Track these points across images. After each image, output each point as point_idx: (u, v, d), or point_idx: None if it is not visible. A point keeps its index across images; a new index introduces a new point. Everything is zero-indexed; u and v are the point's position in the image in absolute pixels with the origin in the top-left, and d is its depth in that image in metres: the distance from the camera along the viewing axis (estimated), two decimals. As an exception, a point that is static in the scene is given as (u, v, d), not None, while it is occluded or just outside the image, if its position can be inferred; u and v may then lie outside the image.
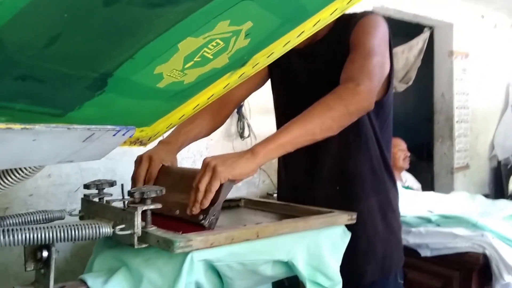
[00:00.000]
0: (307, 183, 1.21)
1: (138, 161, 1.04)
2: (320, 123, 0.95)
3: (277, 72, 1.31)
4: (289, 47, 0.97)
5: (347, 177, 1.16)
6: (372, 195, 1.16)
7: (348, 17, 1.16)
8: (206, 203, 0.86)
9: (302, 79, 1.22)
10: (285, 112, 1.25)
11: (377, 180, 1.18)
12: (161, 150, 1.07)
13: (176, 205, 0.91)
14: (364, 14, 1.15)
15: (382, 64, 1.09)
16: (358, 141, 1.15)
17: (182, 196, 0.90)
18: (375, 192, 1.17)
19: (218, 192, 0.86)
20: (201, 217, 0.86)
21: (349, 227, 1.00)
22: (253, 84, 1.32)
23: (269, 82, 1.37)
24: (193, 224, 0.86)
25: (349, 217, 0.98)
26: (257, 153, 0.89)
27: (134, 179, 1.02)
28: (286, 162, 1.32)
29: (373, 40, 1.08)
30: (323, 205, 1.08)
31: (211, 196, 0.86)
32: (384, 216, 1.17)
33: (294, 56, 1.22)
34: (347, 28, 1.13)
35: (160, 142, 1.12)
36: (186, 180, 0.91)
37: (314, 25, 0.93)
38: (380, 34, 1.11)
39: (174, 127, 1.13)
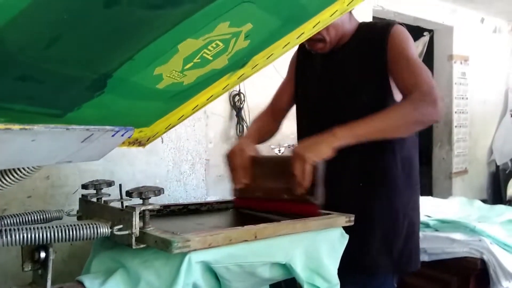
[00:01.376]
0: (334, 177, 1.23)
1: (231, 155, 1.15)
2: (395, 125, 1.09)
3: (301, 73, 1.38)
4: (288, 48, 0.97)
5: (370, 177, 1.21)
6: (393, 196, 1.21)
7: (374, 25, 1.27)
8: (307, 184, 1.01)
9: (327, 77, 1.29)
10: (306, 115, 1.35)
11: (399, 181, 1.22)
12: (244, 144, 1.19)
13: (282, 190, 1.06)
14: (391, 23, 1.23)
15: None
16: (384, 142, 1.19)
17: (283, 181, 1.05)
18: (397, 193, 1.22)
19: (314, 173, 1.01)
20: (310, 196, 1.02)
21: (370, 222, 1.11)
22: (292, 88, 1.41)
23: (266, 84, 1.40)
24: (303, 202, 1.03)
25: (347, 219, 0.98)
26: (338, 137, 1.04)
27: (233, 170, 1.14)
28: None
29: (414, 52, 1.20)
30: (346, 203, 1.14)
31: (309, 177, 1.01)
32: (407, 216, 1.22)
33: (317, 59, 1.30)
34: (379, 34, 1.20)
35: (240, 138, 1.27)
36: (280, 167, 1.08)
37: (314, 26, 0.93)
38: (413, 46, 1.23)
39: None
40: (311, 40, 1.22)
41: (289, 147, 2.11)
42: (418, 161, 1.30)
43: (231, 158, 1.15)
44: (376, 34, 1.21)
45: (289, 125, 1.47)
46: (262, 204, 1.11)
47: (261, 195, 1.11)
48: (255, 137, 1.30)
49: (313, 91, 1.32)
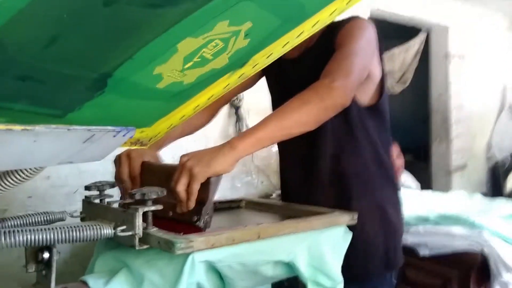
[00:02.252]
0: (306, 187, 1.22)
1: (117, 160, 1.01)
2: (297, 118, 0.96)
3: (271, 81, 1.34)
4: (288, 47, 0.97)
5: (343, 179, 1.18)
6: (368, 195, 1.18)
7: (336, 24, 1.17)
8: (191, 205, 0.84)
9: (294, 87, 1.20)
10: None
11: (375, 180, 1.19)
12: (138, 149, 1.05)
13: (169, 206, 0.87)
14: (350, 19, 1.17)
15: (364, 65, 1.10)
16: (351, 144, 1.17)
17: (172, 196, 0.86)
18: (372, 192, 1.19)
19: (206, 190, 0.84)
20: (195, 218, 0.85)
21: (349, 226, 1.01)
22: (244, 84, 1.30)
23: (264, 83, 1.38)
24: (189, 224, 0.86)
25: (350, 217, 0.98)
26: (235, 147, 0.88)
27: (118, 179, 0.99)
28: (283, 168, 1.34)
29: (356, 42, 1.09)
30: (323, 203, 1.11)
31: (193, 197, 0.84)
32: (385, 214, 1.19)
33: (287, 65, 1.24)
34: (334, 34, 1.14)
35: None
36: (169, 179, 0.88)
37: (313, 25, 0.93)
38: (365, 37, 1.12)
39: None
40: None
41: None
42: (391, 159, 1.25)
43: (116, 165, 1.00)
44: (332, 31, 1.15)
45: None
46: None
47: None
48: (163, 138, 1.11)
49: (284, 96, 1.28)
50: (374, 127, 1.20)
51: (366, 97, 1.18)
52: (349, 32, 1.11)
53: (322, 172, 1.19)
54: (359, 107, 1.17)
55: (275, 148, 2.12)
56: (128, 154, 1.00)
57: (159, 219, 0.83)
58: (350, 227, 1.02)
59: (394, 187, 1.25)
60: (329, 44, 1.14)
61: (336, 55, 1.08)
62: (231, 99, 1.37)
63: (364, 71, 1.11)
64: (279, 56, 0.99)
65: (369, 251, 1.15)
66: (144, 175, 0.98)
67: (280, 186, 1.38)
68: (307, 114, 0.97)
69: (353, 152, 1.18)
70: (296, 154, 1.24)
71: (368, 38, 1.13)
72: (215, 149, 0.88)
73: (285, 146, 1.31)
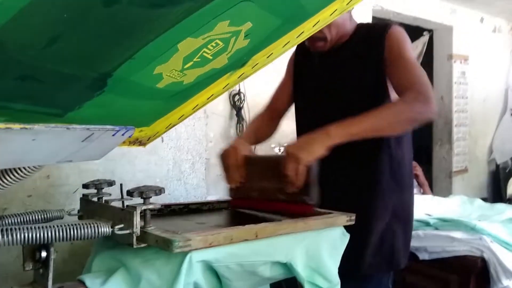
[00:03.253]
0: (324, 182, 1.24)
1: (225, 155, 1.14)
2: (388, 123, 1.08)
3: (301, 72, 1.37)
4: (288, 47, 0.97)
5: (362, 178, 1.22)
6: (387, 196, 1.21)
7: (373, 25, 1.27)
8: (301, 184, 1.00)
9: (326, 76, 1.29)
10: (304, 114, 1.35)
11: (393, 182, 1.22)
12: (239, 143, 1.18)
13: (277, 190, 1.05)
14: (388, 24, 1.23)
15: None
16: (374, 143, 1.19)
17: (277, 181, 1.03)
18: (390, 192, 1.22)
19: (308, 172, 1.00)
20: (306, 198, 1.01)
21: (362, 224, 1.07)
22: (290, 88, 1.41)
23: (265, 82, 1.40)
24: (297, 202, 1.02)
25: (347, 218, 0.98)
26: (331, 136, 1.02)
27: (227, 170, 1.13)
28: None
29: (411, 53, 1.20)
30: (337, 204, 1.12)
31: (302, 178, 0.99)
32: (396, 216, 1.22)
33: (317, 59, 1.30)
34: (377, 34, 1.21)
35: (236, 138, 1.27)
36: (274, 167, 1.05)
37: (314, 25, 0.93)
38: (411, 46, 1.23)
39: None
40: (312, 38, 1.21)
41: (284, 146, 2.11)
42: (411, 161, 1.30)
43: (225, 157, 1.14)
44: (374, 34, 1.22)
45: (289, 124, 1.47)
46: (258, 204, 1.11)
47: (256, 195, 1.10)
48: (251, 138, 1.29)
49: (311, 90, 1.33)
50: None
51: (394, 93, 1.22)
52: (401, 40, 1.20)
53: (340, 172, 1.22)
54: (389, 102, 1.21)
55: (276, 148, 2.10)
56: (235, 147, 1.14)
57: (271, 201, 1.06)
58: (363, 225, 1.09)
59: (407, 189, 1.28)
60: (373, 43, 1.20)
61: (404, 66, 1.16)
62: (288, 105, 1.45)
63: None
64: (279, 55, 1.00)
65: (376, 251, 1.18)
66: (247, 167, 1.12)
67: None
68: (400, 123, 1.10)
69: (375, 156, 1.21)
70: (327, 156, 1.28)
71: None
72: (313, 137, 1.03)
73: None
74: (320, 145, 1.01)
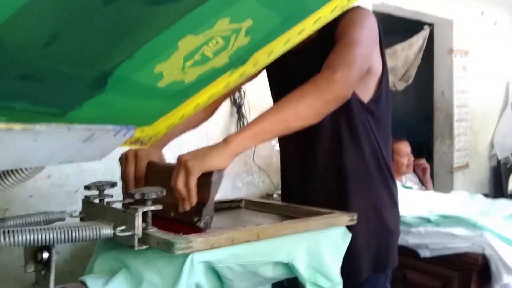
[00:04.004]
0: (305, 182, 1.22)
1: (124, 158, 0.99)
2: (296, 111, 0.92)
3: (273, 72, 1.31)
4: (289, 45, 0.96)
5: (342, 175, 1.17)
6: (366, 192, 1.17)
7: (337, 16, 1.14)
8: (193, 201, 0.83)
9: (295, 79, 1.19)
10: None
11: (372, 178, 1.18)
12: (144, 149, 1.03)
13: (170, 206, 0.86)
14: (352, 8, 1.12)
15: (366, 56, 1.07)
16: (351, 139, 1.16)
17: (173, 196, 0.85)
18: (370, 189, 1.18)
19: (207, 190, 0.83)
20: (196, 219, 0.84)
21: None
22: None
23: (265, 79, 1.37)
24: (189, 225, 0.84)
25: (349, 218, 0.98)
26: (230, 142, 0.86)
27: (124, 178, 0.98)
28: (284, 163, 1.34)
29: (358, 31, 1.06)
30: (320, 202, 1.09)
31: (193, 192, 0.82)
32: (379, 214, 1.18)
33: (289, 55, 1.19)
34: (335, 24, 1.10)
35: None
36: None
37: (315, 22, 0.93)
38: (367, 27, 1.08)
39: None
40: None
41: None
42: (390, 158, 1.23)
43: (123, 164, 0.98)
44: (334, 22, 1.09)
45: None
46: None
47: None
48: (167, 135, 1.09)
49: (286, 91, 1.28)
50: (374, 124, 1.18)
51: (366, 92, 1.16)
52: (351, 22, 1.08)
53: (321, 169, 1.18)
54: (360, 102, 1.15)
55: (277, 146, 2.10)
56: (135, 153, 0.99)
57: (160, 220, 0.82)
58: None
59: (391, 186, 1.23)
60: (329, 34, 1.11)
61: (337, 45, 1.05)
62: (232, 93, 1.34)
63: (366, 62, 1.07)
64: (280, 53, 0.98)
65: (359, 251, 1.13)
66: (149, 175, 0.97)
67: (280, 184, 1.37)
68: (306, 107, 0.93)
69: (353, 149, 1.16)
70: (296, 150, 1.24)
71: (370, 27, 1.09)
72: (211, 146, 0.87)
73: (285, 143, 1.31)
74: (217, 154, 0.84)
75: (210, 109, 1.28)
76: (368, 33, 1.08)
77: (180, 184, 0.82)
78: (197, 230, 0.83)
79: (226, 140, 0.87)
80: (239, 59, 0.92)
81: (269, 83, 1.35)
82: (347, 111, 1.13)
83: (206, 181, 0.83)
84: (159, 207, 0.78)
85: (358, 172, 1.16)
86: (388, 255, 1.19)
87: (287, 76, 1.25)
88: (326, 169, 1.18)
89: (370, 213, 1.16)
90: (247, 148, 0.89)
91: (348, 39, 1.04)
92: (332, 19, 1.10)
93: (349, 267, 1.07)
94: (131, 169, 0.97)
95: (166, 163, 1.04)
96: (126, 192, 0.97)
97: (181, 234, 0.76)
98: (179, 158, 0.84)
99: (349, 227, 1.00)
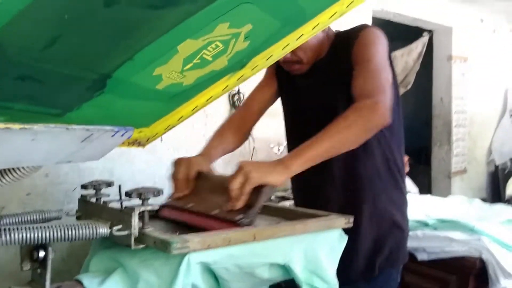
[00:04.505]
0: (320, 186, 1.25)
1: (177, 163, 1.08)
2: (344, 139, 1.03)
3: (283, 91, 1.36)
4: (288, 49, 0.97)
5: (355, 179, 1.21)
6: (379, 198, 1.21)
7: (347, 34, 1.21)
8: (240, 204, 0.91)
9: (305, 97, 1.27)
10: (292, 131, 1.33)
11: (385, 183, 1.22)
12: (197, 158, 1.13)
13: (216, 206, 0.95)
14: (362, 28, 1.18)
15: (389, 78, 1.15)
16: (363, 147, 1.18)
17: (223, 198, 0.94)
18: (382, 195, 1.22)
19: (257, 197, 0.91)
20: (240, 217, 0.90)
21: (358, 225, 1.06)
22: (268, 99, 1.37)
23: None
24: (230, 222, 0.90)
25: (346, 221, 0.98)
26: (289, 167, 0.96)
27: (174, 178, 1.07)
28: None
29: (378, 55, 1.14)
30: (335, 205, 1.14)
31: (244, 198, 0.91)
32: (391, 216, 1.22)
33: (299, 80, 1.27)
34: (346, 43, 1.17)
35: (197, 155, 1.19)
36: (222, 185, 0.96)
37: (313, 28, 0.93)
38: (382, 48, 1.16)
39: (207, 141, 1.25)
40: (287, 62, 1.20)
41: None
42: (402, 160, 1.29)
43: (176, 166, 1.07)
44: (346, 42, 1.18)
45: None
46: (186, 216, 0.99)
47: (192, 206, 1.00)
48: (213, 154, 1.21)
49: (296, 106, 1.30)
50: (386, 129, 1.20)
51: None
52: (367, 45, 1.15)
53: (336, 175, 1.22)
54: None
55: (275, 149, 2.10)
56: (189, 159, 1.09)
57: (204, 217, 0.94)
58: (357, 229, 1.06)
59: (402, 189, 1.28)
60: (343, 54, 1.16)
61: (362, 71, 1.12)
62: (261, 114, 1.41)
63: (390, 84, 1.15)
64: (278, 58, 0.99)
65: (373, 250, 1.19)
66: (198, 182, 1.06)
67: (293, 190, 1.40)
68: (354, 135, 1.04)
69: (366, 155, 1.20)
70: None
71: (384, 48, 1.17)
72: (271, 163, 0.97)
73: None
74: (277, 174, 0.94)
75: (243, 134, 1.37)
76: (384, 55, 1.17)
77: (236, 186, 0.91)
78: (236, 226, 0.89)
79: (285, 164, 0.96)
80: (238, 63, 0.92)
81: (283, 107, 1.38)
82: None
83: (258, 190, 0.92)
84: (156, 207, 0.79)
85: (371, 180, 1.20)
86: (399, 252, 1.24)
87: (299, 97, 1.29)
88: (341, 178, 1.22)
89: (383, 216, 1.21)
90: (300, 171, 0.99)
91: (372, 64, 1.12)
92: (342, 39, 1.19)
93: (363, 265, 1.16)
94: (183, 172, 1.06)
95: (217, 174, 1.14)
96: (174, 192, 1.06)
97: (177, 233, 0.77)
98: (242, 165, 0.94)
99: (362, 230, 1.09)
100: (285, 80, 1.33)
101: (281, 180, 0.94)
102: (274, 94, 1.38)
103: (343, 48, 1.17)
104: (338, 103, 1.17)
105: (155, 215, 1.06)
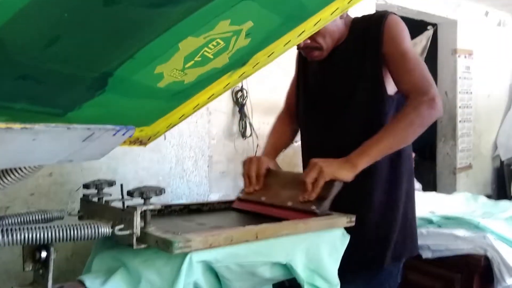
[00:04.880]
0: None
1: (248, 161, 1.19)
2: (403, 138, 1.13)
3: (300, 76, 1.37)
4: (289, 46, 0.96)
5: (369, 177, 1.20)
6: (390, 191, 1.22)
7: (366, 20, 1.23)
8: (313, 195, 1.02)
9: (323, 83, 1.28)
10: (305, 115, 1.34)
11: (395, 176, 1.23)
12: (264, 157, 1.23)
13: (289, 198, 1.06)
14: (385, 15, 1.19)
15: (426, 66, 1.20)
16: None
17: (294, 191, 1.05)
18: (393, 188, 1.23)
19: (329, 190, 1.02)
20: (314, 207, 1.00)
21: (367, 216, 1.12)
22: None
23: (268, 79, 1.39)
24: (304, 212, 1.00)
25: (348, 220, 0.98)
26: (357, 165, 1.06)
27: (247, 175, 1.17)
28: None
29: (410, 47, 1.19)
30: (346, 203, 1.13)
31: (317, 190, 1.02)
32: (401, 208, 1.23)
33: (317, 66, 1.29)
34: (370, 30, 1.18)
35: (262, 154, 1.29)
36: (293, 180, 1.08)
37: (315, 24, 0.92)
38: (409, 38, 1.22)
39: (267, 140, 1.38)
40: (307, 48, 1.21)
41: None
42: (411, 153, 1.31)
43: (248, 164, 1.18)
44: (371, 26, 1.19)
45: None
46: (261, 208, 1.10)
47: (265, 199, 1.10)
48: (273, 154, 1.32)
49: (313, 91, 1.31)
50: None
51: (390, 86, 1.20)
52: (396, 37, 1.17)
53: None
54: (388, 97, 1.20)
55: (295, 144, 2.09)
56: (258, 158, 1.20)
57: (275, 207, 1.06)
58: (366, 220, 1.12)
59: (411, 181, 1.29)
60: (364, 41, 1.18)
61: (403, 65, 1.16)
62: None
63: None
64: (280, 54, 0.99)
65: (385, 240, 1.20)
66: (268, 178, 1.17)
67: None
68: (413, 132, 1.13)
69: None
70: (323, 148, 1.27)
71: (409, 36, 1.22)
72: (340, 161, 1.07)
73: (310, 140, 1.35)
74: (347, 171, 1.04)
75: (295, 125, 1.42)
76: (411, 44, 1.23)
77: (310, 179, 1.02)
78: (312, 215, 0.99)
79: (353, 163, 1.06)
80: (239, 60, 0.92)
81: (296, 85, 1.39)
82: (378, 108, 1.20)
83: (330, 184, 1.03)
84: (158, 206, 0.78)
85: (383, 172, 1.21)
86: (407, 243, 1.25)
87: (317, 83, 1.30)
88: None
89: (394, 208, 1.22)
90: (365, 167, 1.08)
91: (410, 57, 1.17)
92: (364, 24, 1.21)
93: (373, 255, 1.19)
94: (254, 169, 1.17)
95: (286, 171, 1.24)
96: (246, 187, 1.17)
97: (179, 233, 0.77)
98: (315, 162, 1.05)
99: (375, 221, 1.15)
100: (302, 65, 1.35)
101: (350, 176, 1.04)
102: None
103: (370, 31, 1.19)
104: (356, 90, 1.19)
105: (228, 207, 1.19)
